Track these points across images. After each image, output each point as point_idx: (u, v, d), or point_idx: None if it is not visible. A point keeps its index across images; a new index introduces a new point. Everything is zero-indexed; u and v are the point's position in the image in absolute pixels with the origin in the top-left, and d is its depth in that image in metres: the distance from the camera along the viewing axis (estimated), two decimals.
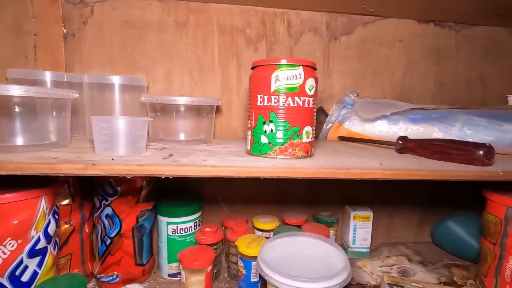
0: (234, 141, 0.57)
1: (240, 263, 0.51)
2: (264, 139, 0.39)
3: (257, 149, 0.40)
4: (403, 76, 0.69)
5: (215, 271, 0.56)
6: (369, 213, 0.65)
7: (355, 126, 0.61)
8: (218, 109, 0.64)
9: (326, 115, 0.67)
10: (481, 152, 0.37)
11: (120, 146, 0.35)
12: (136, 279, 0.53)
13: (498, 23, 0.68)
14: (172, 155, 0.37)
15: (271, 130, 0.38)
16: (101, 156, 0.35)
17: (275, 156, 0.38)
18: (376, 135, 0.58)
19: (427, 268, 0.64)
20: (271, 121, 0.38)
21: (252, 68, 0.41)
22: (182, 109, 0.51)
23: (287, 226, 0.62)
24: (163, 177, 0.31)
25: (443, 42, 0.69)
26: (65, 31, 0.57)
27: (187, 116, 0.52)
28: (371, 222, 0.66)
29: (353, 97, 0.64)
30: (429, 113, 0.56)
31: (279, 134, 0.38)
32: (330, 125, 0.64)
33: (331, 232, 0.65)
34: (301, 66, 0.38)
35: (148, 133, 0.52)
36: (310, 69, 0.39)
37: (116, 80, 0.50)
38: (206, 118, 0.54)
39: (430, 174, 0.33)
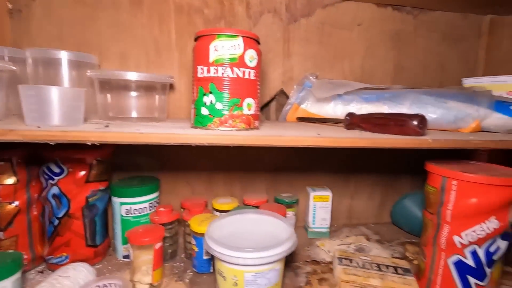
0: (189, 121, 0.56)
1: (193, 241, 0.51)
2: (204, 111, 0.39)
3: (198, 122, 0.39)
4: (363, 59, 0.70)
5: (169, 251, 0.56)
6: (328, 194, 0.66)
7: (312, 107, 0.61)
8: (176, 90, 0.63)
9: (287, 97, 0.68)
10: (414, 122, 0.38)
11: (50, 116, 0.34)
12: (87, 260, 0.52)
13: (454, 8, 0.70)
14: (107, 126, 0.37)
15: (211, 101, 0.38)
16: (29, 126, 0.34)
17: (216, 128, 0.38)
18: (331, 115, 0.59)
19: (383, 246, 0.66)
20: (210, 93, 0.38)
21: (195, 40, 0.40)
22: (133, 86, 0.50)
23: (246, 206, 0.62)
24: (89, 143, 0.30)
25: (402, 27, 0.70)
26: (10, 6, 0.54)
27: (138, 93, 0.51)
28: (330, 202, 0.67)
29: (312, 79, 0.64)
30: (382, 92, 0.57)
31: (219, 106, 0.38)
32: (289, 106, 0.64)
33: (291, 213, 0.66)
34: (240, 37, 0.37)
35: (97, 111, 0.52)
36: (251, 40, 0.39)
37: (62, 55, 0.48)
38: (159, 96, 0.53)
39: (361, 141, 0.34)
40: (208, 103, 0.38)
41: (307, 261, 0.58)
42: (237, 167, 0.68)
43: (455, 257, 0.41)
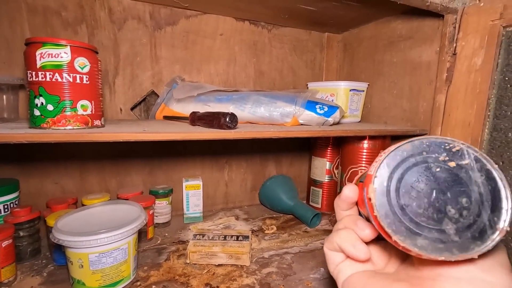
0: None
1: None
2: (36, 112, 0.42)
3: (33, 122, 0.43)
4: (227, 65, 0.81)
5: (29, 249, 0.57)
6: (198, 183, 0.76)
7: (177, 106, 0.69)
8: None
9: (158, 97, 0.74)
10: (225, 118, 0.49)
11: None
12: None
13: (299, 26, 0.87)
14: None
15: (42, 103, 0.42)
16: None
17: (49, 127, 0.42)
18: None
19: (247, 222, 0.78)
20: (41, 95, 0.42)
21: (25, 45, 0.43)
22: None
23: (119, 200, 0.66)
24: None
25: (259, 38, 0.84)
26: None
27: None
28: (201, 190, 0.76)
29: (179, 81, 0.72)
30: (231, 94, 0.68)
31: (50, 107, 0.42)
32: (158, 106, 0.71)
33: (165, 202, 0.73)
34: (68, 46, 0.42)
35: None
36: (81, 49, 0.44)
37: None
38: (7, 97, 0.53)
39: (177, 135, 0.43)
40: (39, 105, 0.42)
41: (174, 242, 0.66)
42: (111, 164, 0.72)
43: None
